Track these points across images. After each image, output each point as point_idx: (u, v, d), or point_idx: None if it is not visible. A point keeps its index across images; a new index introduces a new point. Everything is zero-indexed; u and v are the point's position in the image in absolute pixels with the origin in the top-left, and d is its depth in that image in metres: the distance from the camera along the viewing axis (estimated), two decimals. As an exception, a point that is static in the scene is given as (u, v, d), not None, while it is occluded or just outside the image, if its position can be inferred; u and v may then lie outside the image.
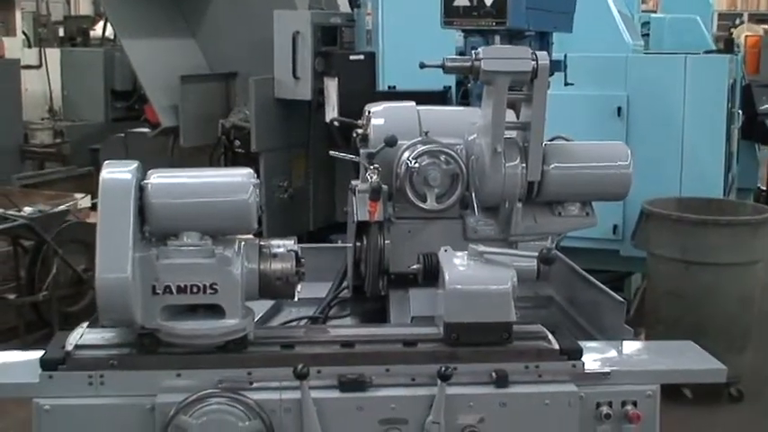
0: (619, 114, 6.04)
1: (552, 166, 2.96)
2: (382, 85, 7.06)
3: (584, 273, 3.47)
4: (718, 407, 5.49)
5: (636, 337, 5.61)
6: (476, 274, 2.68)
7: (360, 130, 3.26)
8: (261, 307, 3.43)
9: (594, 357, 2.73)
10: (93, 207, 7.85)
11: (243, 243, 2.66)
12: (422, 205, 2.95)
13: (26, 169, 9.66)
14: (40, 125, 9.91)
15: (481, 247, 2.72)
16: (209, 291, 2.57)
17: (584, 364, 2.66)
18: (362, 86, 6.99)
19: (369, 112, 3.25)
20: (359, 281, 3.14)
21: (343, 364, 2.62)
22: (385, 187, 3.00)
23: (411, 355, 2.66)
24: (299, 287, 2.73)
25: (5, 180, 8.51)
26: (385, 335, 2.75)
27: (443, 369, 2.52)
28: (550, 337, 2.73)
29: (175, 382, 2.58)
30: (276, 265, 2.67)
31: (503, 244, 3.01)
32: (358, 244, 3.06)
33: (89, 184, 8.22)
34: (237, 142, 7.76)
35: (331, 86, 7.15)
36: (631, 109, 6.06)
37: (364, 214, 2.96)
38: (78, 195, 7.00)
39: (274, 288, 2.68)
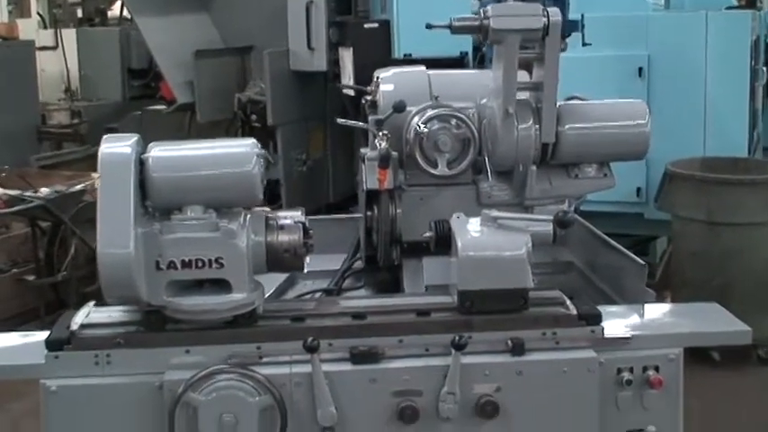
0: (640, 75, 5.92)
1: (567, 126, 2.86)
2: (398, 54, 6.96)
3: (604, 236, 3.38)
4: (747, 369, 5.39)
5: (661, 300, 5.58)
6: (489, 239, 2.60)
7: (369, 97, 3.17)
8: (274, 281, 3.39)
9: (614, 322, 2.65)
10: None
11: (248, 215, 2.59)
12: (432, 171, 2.86)
13: (44, 150, 9.64)
14: (56, 106, 9.88)
15: (494, 213, 2.63)
16: (214, 265, 2.50)
17: (603, 329, 2.57)
18: (378, 55, 6.88)
19: (377, 78, 3.16)
20: (372, 251, 3.06)
21: (354, 336, 2.55)
22: (395, 154, 2.92)
23: (424, 324, 2.58)
24: (307, 259, 2.66)
25: (23, 161, 8.50)
26: (397, 305, 2.67)
27: (457, 338, 2.45)
28: (568, 302, 2.65)
29: (184, 359, 2.52)
30: (283, 237, 2.60)
31: (518, 209, 2.92)
32: (369, 213, 2.99)
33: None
34: (254, 116, 7.70)
35: (346, 57, 7.06)
36: (652, 69, 5.93)
37: (374, 182, 2.88)
38: (95, 175, 6.95)
39: (282, 260, 2.61)
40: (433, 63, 3.44)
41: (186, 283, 2.54)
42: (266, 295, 3.24)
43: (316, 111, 7.64)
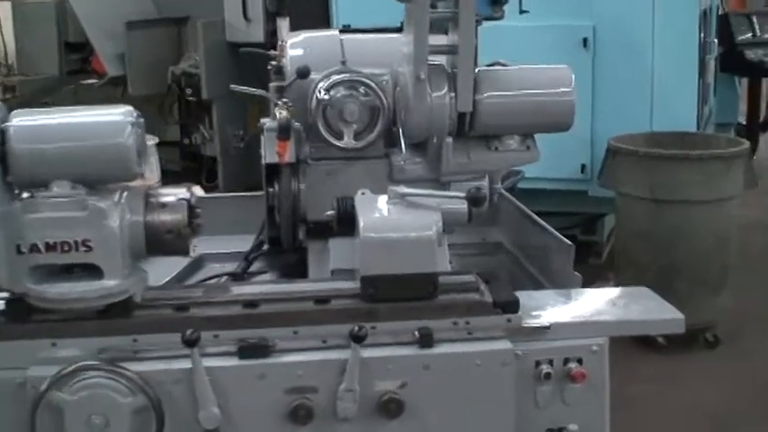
0: (585, 46, 5.67)
1: (485, 94, 2.59)
2: (337, 24, 6.65)
3: (532, 215, 3.14)
4: (694, 353, 5.19)
5: (605, 282, 5.37)
6: (394, 219, 2.34)
7: (274, 62, 2.88)
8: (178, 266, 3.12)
9: (534, 309, 2.40)
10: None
11: (124, 193, 2.31)
12: (337, 143, 2.59)
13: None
14: (-13, 81, 9.47)
15: (402, 189, 2.36)
16: (82, 248, 2.22)
17: (520, 317, 2.33)
18: (316, 26, 6.55)
19: (283, 42, 2.88)
20: (276, 231, 2.78)
21: (243, 328, 2.29)
22: (297, 125, 2.65)
23: (322, 314, 2.32)
24: (194, 242, 2.39)
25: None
26: (294, 292, 2.40)
27: (356, 329, 2.18)
28: (483, 288, 2.39)
29: (50, 353, 2.25)
30: (165, 217, 2.32)
31: (434, 185, 2.66)
32: (270, 190, 2.70)
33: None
34: (189, 90, 7.37)
35: (284, 27, 6.72)
36: (598, 40, 5.68)
37: (273, 155, 2.60)
38: None
39: (164, 243, 2.33)
40: (372, 34, 3.16)
41: (52, 268, 2.25)
42: (166, 280, 3.01)
43: (253, 85, 7.28)
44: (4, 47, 10.58)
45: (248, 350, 2.24)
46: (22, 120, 2.24)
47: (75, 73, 9.79)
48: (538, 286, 2.87)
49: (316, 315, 2.31)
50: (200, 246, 3.46)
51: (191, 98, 7.39)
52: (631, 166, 5.12)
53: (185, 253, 2.38)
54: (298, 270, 2.79)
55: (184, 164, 8.27)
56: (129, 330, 2.27)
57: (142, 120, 2.33)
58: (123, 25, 7.30)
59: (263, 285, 2.51)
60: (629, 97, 5.61)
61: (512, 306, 2.33)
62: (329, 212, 2.45)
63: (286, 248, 2.76)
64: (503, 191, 3.09)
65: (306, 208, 2.69)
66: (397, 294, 2.30)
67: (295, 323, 2.29)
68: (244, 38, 6.94)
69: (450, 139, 2.60)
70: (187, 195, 2.35)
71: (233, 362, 2.24)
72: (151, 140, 7.26)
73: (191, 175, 7.55)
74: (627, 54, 5.66)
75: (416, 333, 2.27)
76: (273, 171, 2.67)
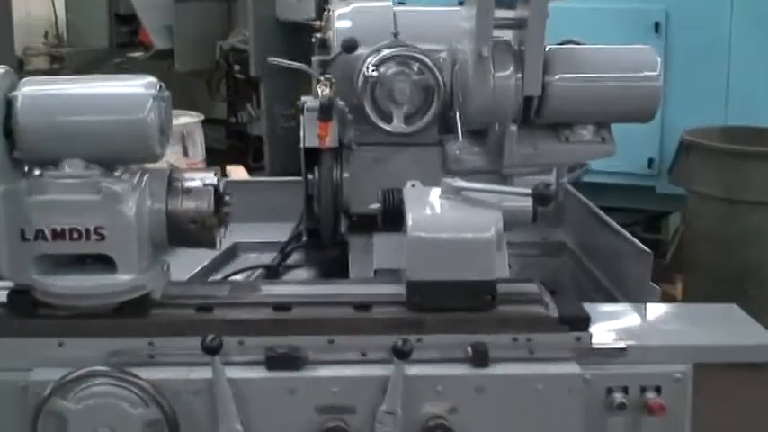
0: (656, 31, 5.27)
1: (557, 76, 2.28)
2: (393, 2, 6.33)
3: (602, 214, 2.82)
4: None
5: (671, 285, 5.01)
6: (447, 217, 2.04)
7: (318, 35, 2.59)
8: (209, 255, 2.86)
9: (607, 327, 2.10)
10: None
11: (146, 176, 2.04)
12: (385, 127, 2.29)
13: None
14: (35, 51, 9.28)
15: (458, 182, 2.06)
16: (93, 237, 1.96)
17: (591, 335, 2.02)
18: (370, 3, 6.27)
19: (329, 12, 2.59)
20: (315, 223, 2.50)
21: (273, 334, 2.01)
22: (342, 104, 2.36)
23: (362, 322, 2.03)
24: (222, 233, 2.11)
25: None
26: (331, 294, 2.12)
27: (401, 342, 1.89)
28: (548, 299, 2.09)
29: (57, 354, 2.00)
30: (188, 204, 2.05)
31: (494, 178, 2.36)
32: (310, 177, 2.42)
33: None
34: (237, 67, 7.12)
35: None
36: (671, 24, 5.28)
37: (313, 139, 2.31)
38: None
39: (187, 233, 2.06)
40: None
41: (61, 258, 2.00)
42: (195, 271, 2.75)
43: (304, 63, 7.01)
44: (56, 18, 10.45)
45: (277, 361, 1.97)
46: (31, 88, 1.98)
47: (124, 46, 9.59)
48: (608, 298, 2.56)
49: (355, 323, 2.03)
50: (234, 233, 3.24)
51: (239, 75, 7.14)
52: (705, 162, 4.75)
53: (211, 245, 2.11)
54: (337, 267, 2.51)
55: (230, 143, 8.04)
56: (144, 332, 2.01)
57: (167, 93, 2.06)
58: (172, -4, 7.06)
59: (297, 286, 2.23)
60: (703, 87, 5.21)
61: (581, 322, 2.02)
62: (374, 206, 2.16)
63: (325, 243, 2.47)
64: (568, 186, 2.78)
65: (348, 199, 2.41)
66: (449, 303, 2.01)
67: (331, 331, 2.01)
68: (294, 14, 6.67)
69: (514, 127, 2.29)
70: (214, 180, 2.08)
71: (260, 373, 1.97)
72: (196, 117, 7.10)
73: (236, 154, 7.30)
74: (701, 40, 5.25)
75: (469, 349, 1.98)
76: (313, 156, 2.38)
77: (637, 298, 2.33)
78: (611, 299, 2.53)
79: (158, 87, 2.01)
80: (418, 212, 2.04)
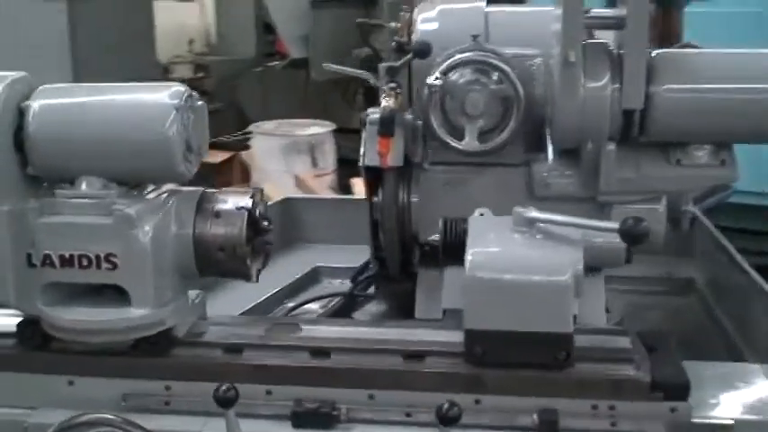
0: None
1: (664, 86, 1.88)
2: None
3: (731, 250, 2.40)
4: None
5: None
6: (515, 254, 1.69)
7: (397, 38, 2.29)
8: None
9: (715, 396, 1.70)
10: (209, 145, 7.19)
11: (172, 197, 1.80)
12: (455, 144, 1.96)
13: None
14: (180, 59, 9.33)
15: (532, 212, 1.71)
16: (104, 264, 1.72)
17: (690, 407, 1.63)
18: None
19: (408, 13, 2.28)
20: (382, 251, 2.19)
21: (305, 384, 1.72)
22: (409, 117, 2.05)
23: (410, 375, 1.72)
24: (257, 263, 1.84)
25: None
26: (380, 340, 1.81)
27: (447, 406, 1.56)
28: (643, 358, 1.71)
29: (65, 394, 1.79)
30: (217, 229, 1.78)
31: (589, 206, 1.99)
32: (376, 199, 2.12)
33: (224, 119, 7.59)
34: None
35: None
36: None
37: (374, 156, 2.01)
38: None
39: (217, 262, 1.80)
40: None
41: (75, 288, 1.77)
42: (267, 296, 2.50)
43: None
44: (207, 27, 10.54)
45: (304, 417, 1.68)
46: (45, 97, 1.77)
47: (270, 55, 9.56)
48: (732, 352, 2.15)
49: (401, 376, 1.71)
50: (317, 255, 2.99)
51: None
52: None
53: (245, 277, 1.84)
54: (408, 303, 2.19)
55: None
56: (160, 374, 1.76)
57: (200, 103, 1.81)
58: (308, 4, 6.89)
59: (343, 327, 1.92)
60: None
61: (679, 389, 1.64)
62: (432, 237, 1.84)
63: (392, 275, 2.16)
64: (698, 213, 2.35)
65: (418, 226, 2.09)
66: (514, 359, 1.67)
67: (373, 384, 1.70)
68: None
69: (612, 146, 1.91)
70: (248, 203, 1.80)
71: (284, 430, 1.68)
72: (327, 127, 6.91)
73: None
74: None
75: (536, 416, 1.63)
76: (377, 176, 2.07)
77: (764, 357, 1.92)
78: (738, 356, 2.12)
79: (185, 97, 1.75)
80: (480, 248, 1.70)
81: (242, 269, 1.81)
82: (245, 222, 1.79)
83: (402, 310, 2.22)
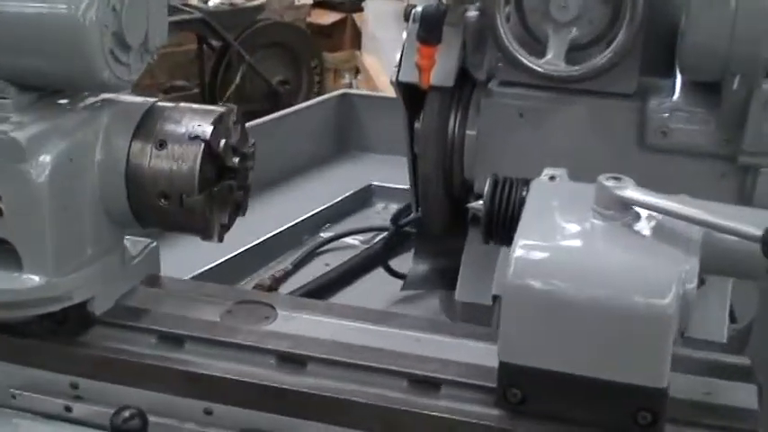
0: None
1: None
2: None
3: None
4: None
5: None
6: (588, 256, 1.06)
7: None
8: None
9: None
10: (318, 4, 6.56)
11: (100, 110, 1.23)
12: (530, 64, 1.31)
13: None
14: None
15: (629, 190, 1.08)
16: (-18, 209, 1.18)
17: None
18: None
19: None
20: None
21: (261, 407, 1.18)
22: (474, 15, 1.41)
23: (412, 418, 1.14)
24: (220, 218, 1.28)
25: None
26: (381, 350, 1.22)
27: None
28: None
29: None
30: (160, 165, 1.22)
31: (725, 168, 1.33)
32: (417, 126, 1.50)
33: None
34: None
35: None
36: None
37: (410, 70, 1.38)
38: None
39: (159, 212, 1.24)
40: None
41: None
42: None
43: None
44: None
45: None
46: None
47: None
48: None
49: (399, 417, 1.14)
50: (372, 169, 2.42)
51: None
52: None
53: (201, 234, 1.28)
54: (450, 266, 1.59)
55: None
56: (63, 366, 1.24)
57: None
58: None
59: (337, 318, 1.32)
60: None
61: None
62: (474, 204, 1.21)
63: (432, 229, 1.56)
64: None
65: (472, 170, 1.47)
66: (569, 413, 1.07)
67: (358, 420, 1.14)
68: None
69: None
70: (205, 131, 1.22)
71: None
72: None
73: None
74: None
75: None
76: (416, 97, 1.45)
77: None
78: None
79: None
80: (534, 239, 1.08)
81: (195, 224, 1.25)
82: (200, 158, 1.21)
83: (443, 275, 1.63)
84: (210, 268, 1.96)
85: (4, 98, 1.20)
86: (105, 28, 1.16)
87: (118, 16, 1.17)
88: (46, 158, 1.16)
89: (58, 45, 1.16)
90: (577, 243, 1.08)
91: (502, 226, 1.17)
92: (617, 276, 1.04)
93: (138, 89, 1.31)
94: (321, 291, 1.90)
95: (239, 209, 1.32)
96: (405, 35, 1.43)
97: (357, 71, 6.59)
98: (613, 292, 1.03)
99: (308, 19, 6.33)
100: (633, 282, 1.03)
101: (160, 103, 1.28)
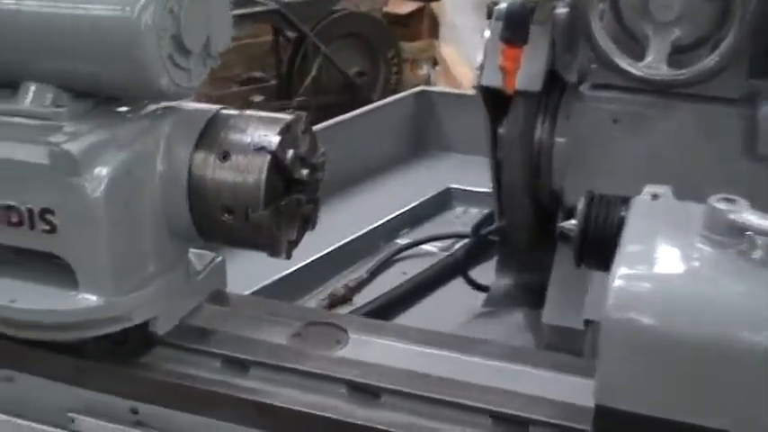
0: None
1: None
2: None
3: None
4: None
5: None
6: (699, 287, 0.94)
7: None
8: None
9: None
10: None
11: (162, 118, 1.15)
12: (628, 68, 1.19)
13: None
14: None
15: (746, 213, 0.95)
16: (39, 225, 1.11)
17: None
18: None
19: None
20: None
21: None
22: (563, 12, 1.29)
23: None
24: (288, 234, 1.18)
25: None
26: (462, 383, 1.12)
27: None
28: None
29: (3, 393, 1.22)
30: (224, 178, 1.13)
31: None
32: (500, 131, 1.39)
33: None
34: None
35: None
36: None
37: (494, 74, 1.27)
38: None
39: (223, 228, 1.16)
40: None
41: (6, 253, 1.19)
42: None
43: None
44: None
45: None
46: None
47: None
48: None
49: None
50: (451, 169, 2.31)
51: None
52: None
53: (269, 250, 1.19)
54: (535, 281, 1.48)
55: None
56: (125, 390, 1.17)
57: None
58: None
59: (415, 344, 1.22)
60: None
61: None
62: (567, 223, 1.10)
63: (517, 242, 1.45)
64: None
65: (562, 180, 1.35)
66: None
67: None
68: None
69: None
70: (272, 142, 1.13)
71: None
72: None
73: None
74: None
75: None
76: (499, 100, 1.34)
77: None
78: None
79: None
80: (637, 267, 0.96)
81: (261, 240, 1.17)
82: (266, 171, 1.12)
83: (528, 292, 1.51)
84: (281, 277, 1.88)
85: (59, 106, 1.13)
86: (163, 32, 1.07)
87: (176, 19, 1.09)
88: (102, 171, 1.08)
89: (112, 49, 1.08)
90: (686, 272, 0.96)
91: (596, 249, 1.06)
92: (736, 311, 0.92)
93: (213, 81, 1.23)
94: (397, 302, 1.81)
95: (308, 223, 1.22)
96: (487, 33, 1.32)
97: (435, 61, 6.47)
98: (734, 329, 0.90)
99: (385, 8, 6.23)
100: (756, 318, 0.91)
101: (224, 111, 1.19)
